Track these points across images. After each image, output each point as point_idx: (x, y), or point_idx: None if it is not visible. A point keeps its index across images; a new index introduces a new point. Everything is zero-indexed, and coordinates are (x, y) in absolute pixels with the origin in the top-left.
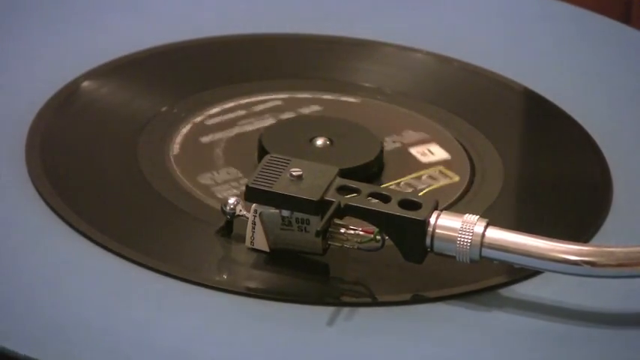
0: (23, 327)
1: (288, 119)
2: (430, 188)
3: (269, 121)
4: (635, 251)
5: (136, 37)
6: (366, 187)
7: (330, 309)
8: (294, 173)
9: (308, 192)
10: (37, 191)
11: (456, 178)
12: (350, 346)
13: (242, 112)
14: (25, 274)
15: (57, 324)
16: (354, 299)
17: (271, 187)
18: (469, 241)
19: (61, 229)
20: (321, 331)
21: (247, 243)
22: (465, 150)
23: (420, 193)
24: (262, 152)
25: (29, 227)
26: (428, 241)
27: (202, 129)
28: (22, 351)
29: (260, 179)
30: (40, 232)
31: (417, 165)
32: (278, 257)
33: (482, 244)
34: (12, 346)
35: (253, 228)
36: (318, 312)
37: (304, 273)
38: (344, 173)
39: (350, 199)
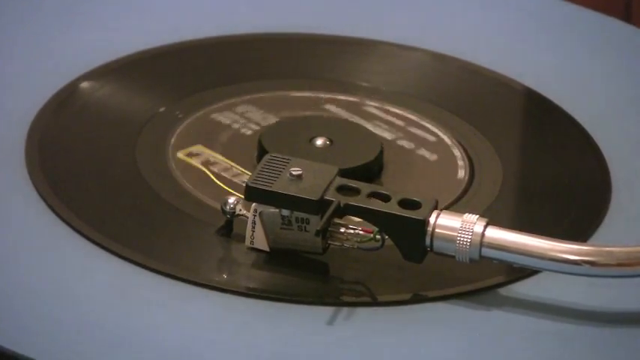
0: (22, 327)
1: (288, 119)
2: None
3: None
4: (634, 251)
5: (135, 37)
6: (365, 187)
7: (330, 309)
8: (293, 172)
9: (308, 191)
10: (36, 191)
11: None
12: (350, 346)
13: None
14: (24, 274)
15: (56, 324)
16: (353, 299)
17: (271, 187)
18: (469, 240)
19: (61, 230)
20: (321, 331)
21: (247, 242)
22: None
23: None
24: (262, 152)
25: (29, 227)
26: (427, 240)
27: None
28: (21, 351)
29: (260, 178)
30: (40, 232)
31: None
32: (278, 257)
33: (481, 244)
34: (11, 346)
35: (253, 227)
36: (317, 312)
37: (304, 272)
38: (344, 173)
39: (350, 198)
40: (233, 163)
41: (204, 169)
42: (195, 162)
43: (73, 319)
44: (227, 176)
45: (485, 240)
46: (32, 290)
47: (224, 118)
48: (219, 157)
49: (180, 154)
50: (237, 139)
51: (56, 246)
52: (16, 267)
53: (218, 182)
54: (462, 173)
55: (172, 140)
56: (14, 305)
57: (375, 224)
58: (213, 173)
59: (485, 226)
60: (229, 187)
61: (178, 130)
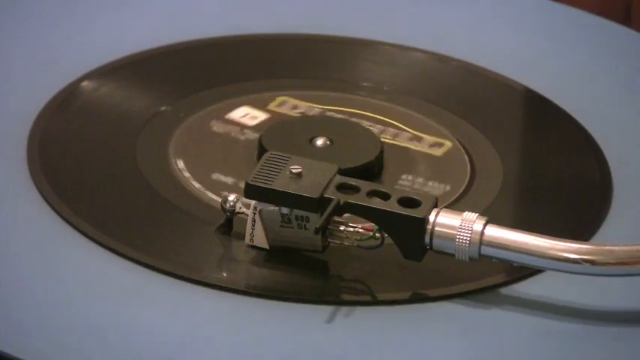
0: (22, 327)
1: (288, 119)
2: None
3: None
4: (634, 250)
5: (136, 37)
6: (365, 185)
7: (330, 307)
8: (293, 170)
9: (307, 189)
10: (38, 191)
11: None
12: (349, 345)
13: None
14: (25, 273)
15: (55, 324)
16: (353, 297)
17: (271, 185)
18: (468, 238)
19: (61, 228)
20: (321, 330)
21: (247, 240)
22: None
23: None
24: (262, 152)
25: (30, 226)
26: (427, 239)
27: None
28: (20, 353)
29: (260, 176)
30: (41, 231)
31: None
32: (278, 255)
33: (481, 242)
34: (10, 346)
35: (253, 225)
36: (317, 310)
37: (304, 271)
38: (344, 173)
39: (349, 196)
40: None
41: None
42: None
43: (73, 317)
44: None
45: (485, 238)
46: (32, 289)
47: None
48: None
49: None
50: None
51: (57, 245)
52: (16, 266)
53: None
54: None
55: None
56: (14, 304)
57: (374, 222)
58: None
59: (485, 225)
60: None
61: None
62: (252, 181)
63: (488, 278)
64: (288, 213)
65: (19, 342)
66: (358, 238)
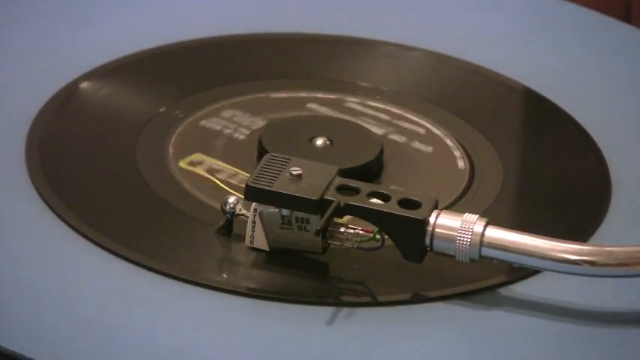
0: (21, 327)
1: (288, 119)
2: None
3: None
4: (634, 250)
5: (136, 37)
6: (365, 187)
7: (330, 309)
8: (293, 172)
9: (308, 191)
10: (36, 191)
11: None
12: (349, 346)
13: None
14: (24, 273)
15: (55, 324)
16: (353, 299)
17: (271, 186)
18: (469, 240)
19: (61, 229)
20: (321, 331)
21: (247, 242)
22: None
23: None
24: (262, 152)
25: (29, 227)
26: (427, 240)
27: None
28: (20, 351)
29: (260, 178)
30: (40, 232)
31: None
32: (278, 256)
33: (481, 244)
34: (11, 346)
35: (253, 227)
36: (317, 312)
37: (304, 272)
38: (344, 173)
39: (350, 198)
40: (233, 166)
41: (205, 171)
42: (196, 161)
43: (73, 318)
44: (226, 176)
45: (485, 240)
46: (32, 290)
47: (224, 117)
48: (220, 157)
49: (182, 163)
50: (237, 139)
51: (56, 246)
52: (15, 267)
53: (218, 182)
54: (462, 173)
55: (173, 140)
56: (14, 305)
57: (374, 224)
58: (214, 173)
59: (485, 226)
60: (228, 187)
61: (179, 130)
62: (252, 182)
63: (487, 279)
64: (288, 215)
65: (19, 341)
66: (358, 239)
